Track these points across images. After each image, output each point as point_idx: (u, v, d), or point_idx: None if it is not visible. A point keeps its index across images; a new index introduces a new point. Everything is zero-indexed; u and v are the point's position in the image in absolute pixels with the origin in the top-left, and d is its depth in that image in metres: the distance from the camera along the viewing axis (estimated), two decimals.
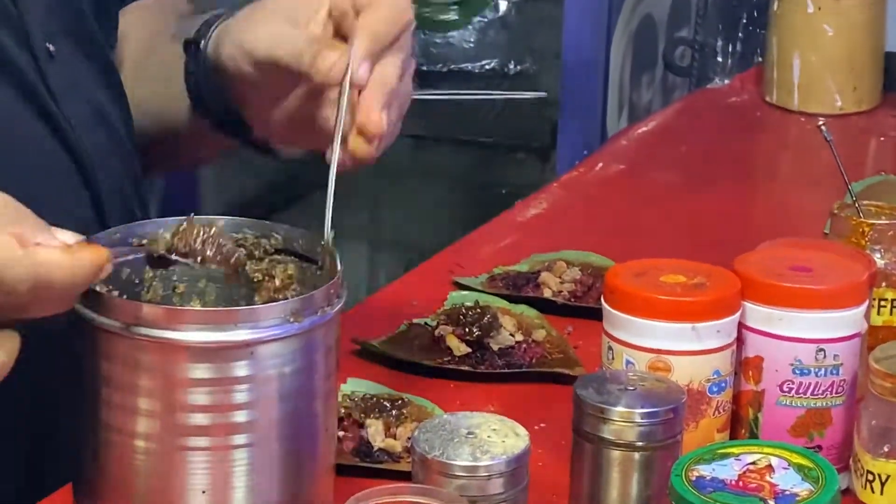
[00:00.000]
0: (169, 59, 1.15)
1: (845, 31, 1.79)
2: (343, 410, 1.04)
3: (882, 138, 1.73)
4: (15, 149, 1.01)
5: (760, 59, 1.89)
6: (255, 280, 0.90)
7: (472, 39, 2.56)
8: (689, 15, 2.08)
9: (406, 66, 0.99)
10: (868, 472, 0.92)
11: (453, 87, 1.88)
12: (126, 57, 1.21)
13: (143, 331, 0.77)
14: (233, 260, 0.88)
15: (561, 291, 1.28)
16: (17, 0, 1.06)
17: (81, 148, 1.07)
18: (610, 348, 0.96)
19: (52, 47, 1.07)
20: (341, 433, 1.02)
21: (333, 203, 0.88)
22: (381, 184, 1.95)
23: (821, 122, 1.44)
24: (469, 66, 2.48)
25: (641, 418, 0.86)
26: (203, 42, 1.11)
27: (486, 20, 2.58)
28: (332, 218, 0.88)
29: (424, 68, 1.67)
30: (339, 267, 0.87)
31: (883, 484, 0.91)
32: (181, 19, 1.21)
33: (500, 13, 2.58)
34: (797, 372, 0.96)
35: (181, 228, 0.87)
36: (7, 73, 1.05)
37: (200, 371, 0.79)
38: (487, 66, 2.50)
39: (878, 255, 1.08)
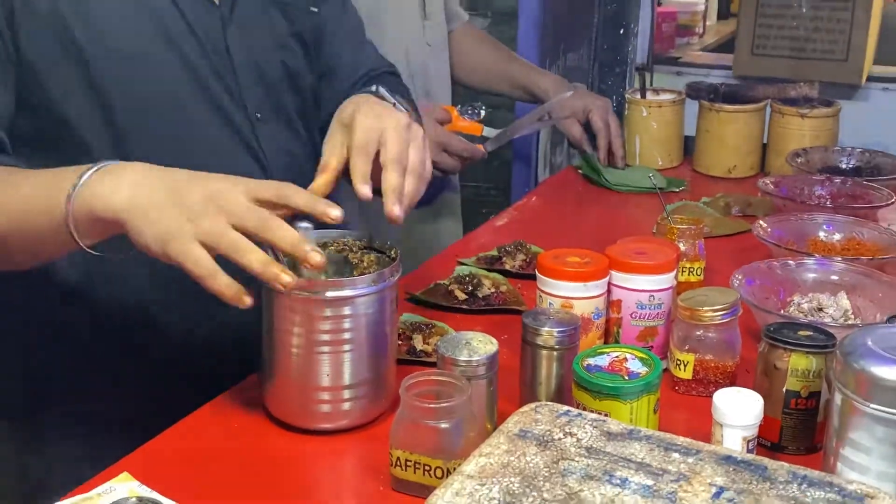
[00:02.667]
0: None
1: (662, 125, 2.12)
2: (400, 330, 1.27)
3: (687, 179, 2.04)
4: (234, 173, 1.03)
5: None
6: (354, 263, 1.12)
7: None
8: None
9: (418, 156, 1.09)
10: (677, 359, 1.18)
11: None
12: None
13: (299, 292, 1.01)
14: (343, 252, 1.13)
15: (515, 265, 1.55)
16: (240, 82, 1.20)
17: (275, 173, 1.20)
18: (540, 296, 1.21)
19: (259, 115, 1.22)
20: (400, 342, 1.24)
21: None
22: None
23: (650, 175, 1.81)
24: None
25: (557, 333, 1.08)
26: None
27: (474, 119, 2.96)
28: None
29: None
30: (398, 256, 1.10)
31: (685, 365, 1.18)
32: None
33: (482, 116, 2.97)
34: (639, 307, 1.21)
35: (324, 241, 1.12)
36: (235, 132, 1.20)
37: (327, 311, 1.03)
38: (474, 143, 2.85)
39: (681, 245, 1.37)
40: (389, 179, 1.04)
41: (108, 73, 1.10)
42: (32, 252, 1.05)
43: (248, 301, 0.95)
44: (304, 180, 1.08)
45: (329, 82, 1.36)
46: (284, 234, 0.93)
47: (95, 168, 0.97)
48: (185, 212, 0.92)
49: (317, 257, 0.94)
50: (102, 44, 1.09)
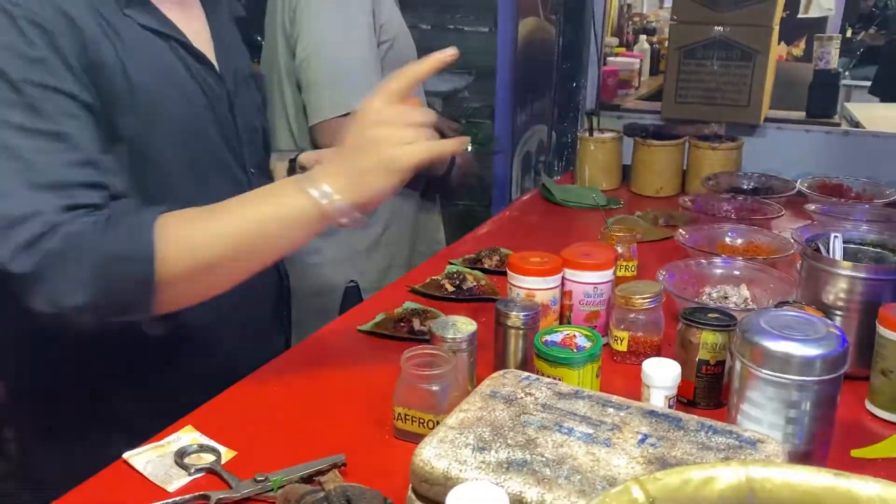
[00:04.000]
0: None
1: (606, 156, 2.13)
2: (402, 315, 1.28)
3: (622, 200, 2.01)
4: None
5: (572, 168, 2.20)
6: None
7: None
8: (546, 150, 2.45)
9: None
10: (615, 336, 1.18)
11: None
12: None
13: None
14: None
15: (491, 264, 1.54)
16: (241, 144, 1.14)
17: None
18: (510, 288, 1.20)
19: (253, 171, 1.17)
20: (402, 324, 1.25)
21: None
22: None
23: (594, 195, 1.82)
24: None
25: (522, 317, 1.09)
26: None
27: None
28: None
29: None
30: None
31: (621, 340, 1.17)
32: None
33: (468, 150, 2.97)
34: (586, 296, 1.21)
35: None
36: (238, 187, 1.08)
37: None
38: None
39: (619, 248, 1.37)
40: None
41: (143, 135, 1.01)
42: (262, 261, 0.98)
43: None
44: None
45: None
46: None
47: (307, 178, 0.95)
48: (383, 161, 0.94)
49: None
50: (144, 116, 1.01)
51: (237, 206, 0.96)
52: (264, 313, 1.28)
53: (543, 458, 0.75)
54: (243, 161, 1.15)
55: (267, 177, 1.24)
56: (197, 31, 1.10)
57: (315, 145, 1.62)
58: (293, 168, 1.25)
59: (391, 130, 0.95)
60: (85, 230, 0.87)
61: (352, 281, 1.73)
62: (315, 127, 1.59)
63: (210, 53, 1.11)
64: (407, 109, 0.96)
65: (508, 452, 0.76)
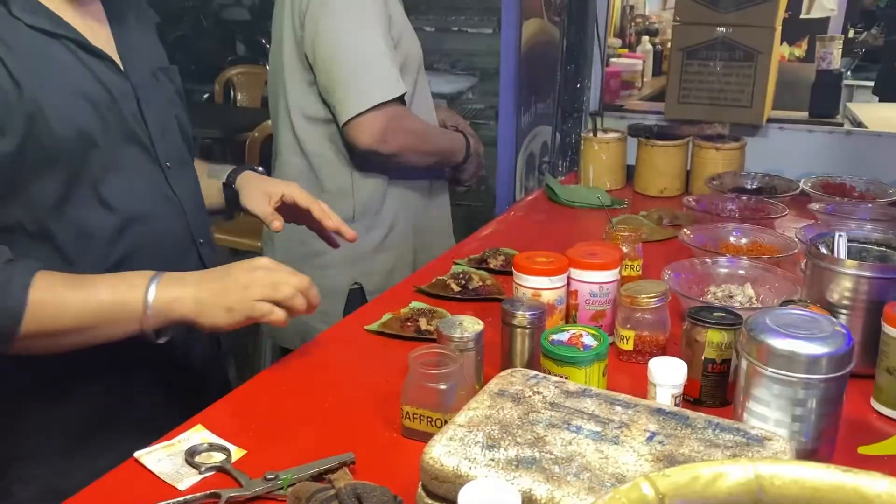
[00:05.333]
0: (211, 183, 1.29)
1: (610, 157, 2.12)
2: (408, 315, 1.28)
3: (626, 200, 2.01)
4: (158, 213, 1.11)
5: (576, 168, 2.18)
6: None
7: None
8: (550, 150, 2.44)
9: None
10: (621, 335, 1.18)
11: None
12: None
13: None
14: None
15: (496, 264, 1.54)
16: (152, 138, 1.11)
17: (187, 209, 1.16)
18: (516, 288, 1.21)
19: (168, 164, 1.14)
20: (409, 323, 1.26)
21: None
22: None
23: (598, 195, 1.83)
24: None
25: (529, 316, 1.08)
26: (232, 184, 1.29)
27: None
28: None
29: None
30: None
31: (627, 339, 1.17)
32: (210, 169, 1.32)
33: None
34: (591, 295, 1.21)
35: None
36: (153, 182, 1.12)
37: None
38: None
39: (624, 248, 1.37)
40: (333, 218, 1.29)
41: (52, 141, 0.99)
42: (91, 341, 0.99)
43: (283, 316, 1.04)
44: (206, 217, 1.23)
45: None
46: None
47: (156, 280, 0.99)
48: (239, 289, 1.00)
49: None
50: (50, 122, 0.99)
51: (95, 284, 0.98)
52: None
53: (552, 456, 0.75)
54: (156, 155, 1.13)
55: (188, 169, 1.22)
56: (94, 29, 1.09)
57: (349, 144, 1.62)
58: (230, 184, 1.31)
59: (270, 284, 1.02)
60: None
61: (356, 283, 1.73)
62: (348, 125, 1.58)
63: (112, 51, 1.10)
64: (295, 275, 1.05)
65: (518, 450, 0.76)
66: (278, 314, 1.02)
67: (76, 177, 1.02)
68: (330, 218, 1.29)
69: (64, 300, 0.95)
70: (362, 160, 1.64)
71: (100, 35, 1.10)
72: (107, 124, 1.05)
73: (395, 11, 1.65)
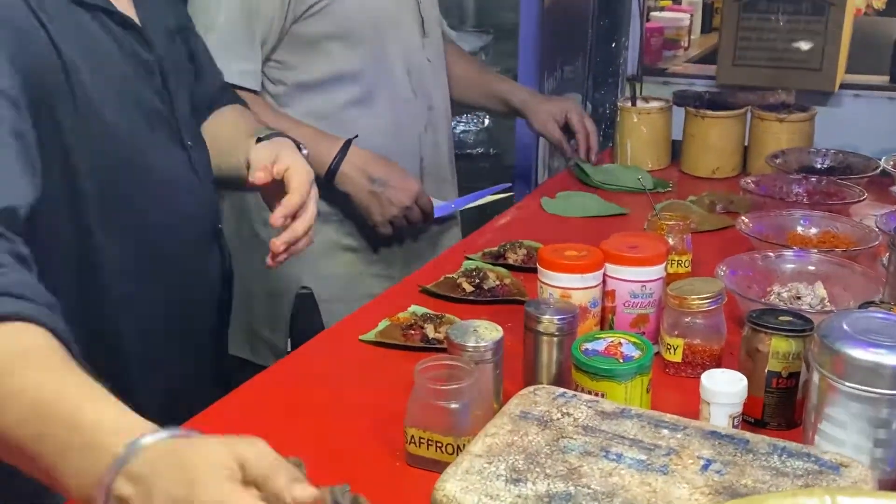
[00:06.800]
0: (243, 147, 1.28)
1: (651, 130, 2.13)
2: (413, 321, 1.29)
3: (671, 182, 2.03)
4: (184, 201, 1.19)
5: (611, 144, 2.21)
6: None
7: (472, 138, 3.15)
8: None
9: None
10: (667, 344, 1.19)
11: (465, 163, 2.18)
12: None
13: None
14: None
15: (517, 259, 1.56)
16: (177, 117, 1.20)
17: (202, 176, 1.23)
18: (541, 287, 1.21)
19: (190, 143, 1.23)
20: (412, 331, 1.27)
21: None
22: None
23: (639, 177, 1.84)
24: (471, 151, 3.04)
25: (557, 321, 1.08)
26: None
27: (479, 128, 3.15)
28: None
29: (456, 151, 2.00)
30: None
31: (675, 349, 1.18)
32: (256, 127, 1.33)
33: (486, 125, 3.13)
34: (632, 296, 1.21)
35: None
36: (179, 161, 1.20)
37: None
38: (480, 151, 3.01)
39: (670, 239, 1.37)
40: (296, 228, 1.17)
41: (82, 125, 1.06)
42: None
43: None
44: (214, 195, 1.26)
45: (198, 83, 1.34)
46: None
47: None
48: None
49: None
50: (81, 100, 1.05)
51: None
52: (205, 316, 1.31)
53: (591, 490, 0.75)
54: (181, 135, 1.18)
55: (203, 148, 1.27)
56: None
57: None
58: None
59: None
60: None
61: (304, 287, 1.73)
62: None
63: (132, 13, 1.14)
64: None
65: (548, 484, 0.76)
66: None
67: (115, 161, 1.07)
68: (284, 216, 1.19)
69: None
70: None
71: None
72: (137, 104, 1.10)
73: None
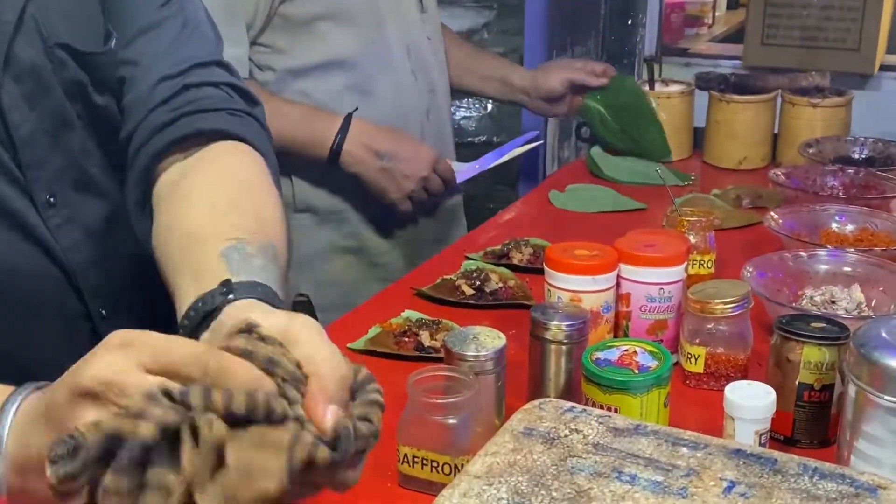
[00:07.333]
0: None
1: (671, 116, 2.13)
2: (406, 327, 1.29)
3: (693, 174, 2.03)
4: (16, 276, 0.96)
5: None
6: None
7: (473, 124, 3.16)
8: None
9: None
10: (688, 353, 1.18)
11: (467, 152, 2.16)
12: None
13: None
14: None
15: (522, 259, 1.56)
16: (22, 165, 0.95)
17: (76, 264, 1.00)
18: (548, 290, 1.21)
19: (51, 198, 0.98)
20: (407, 339, 1.26)
21: None
22: None
23: (657, 168, 1.83)
24: (474, 139, 3.04)
25: (565, 328, 1.08)
26: None
27: (481, 114, 3.16)
28: None
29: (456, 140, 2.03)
30: None
31: (696, 359, 1.18)
32: None
33: (489, 110, 3.11)
34: (649, 300, 1.21)
35: None
36: (9, 219, 0.95)
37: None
38: (482, 139, 3.01)
39: (691, 237, 1.36)
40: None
41: None
42: None
43: None
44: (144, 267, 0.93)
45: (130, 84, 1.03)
46: None
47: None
48: None
49: None
50: None
51: None
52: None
53: None
54: (26, 185, 0.96)
55: (97, 201, 1.05)
56: None
57: None
58: None
59: None
60: None
61: (301, 294, 1.73)
62: None
63: None
64: None
65: None
66: None
67: None
68: None
69: None
70: None
71: None
72: None
73: None
